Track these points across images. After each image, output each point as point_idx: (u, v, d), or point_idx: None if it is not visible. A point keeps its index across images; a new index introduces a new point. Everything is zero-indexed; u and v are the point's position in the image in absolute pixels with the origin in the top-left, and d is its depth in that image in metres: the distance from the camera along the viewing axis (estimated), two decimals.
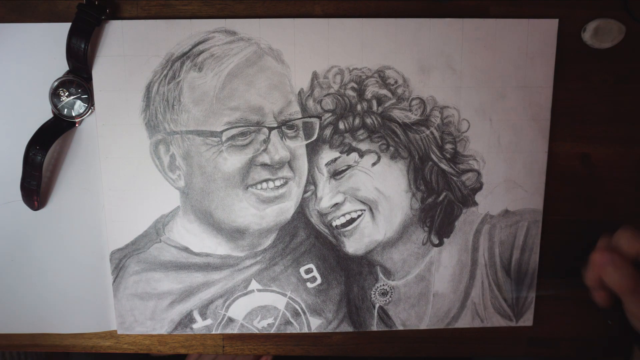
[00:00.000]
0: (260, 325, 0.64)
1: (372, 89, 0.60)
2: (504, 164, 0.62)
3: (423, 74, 0.60)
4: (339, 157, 0.61)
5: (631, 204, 0.65)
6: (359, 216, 0.62)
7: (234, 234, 0.62)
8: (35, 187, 0.59)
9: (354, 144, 0.61)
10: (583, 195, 0.64)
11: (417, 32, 0.59)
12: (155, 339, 0.66)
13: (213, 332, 0.64)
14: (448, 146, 0.62)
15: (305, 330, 0.65)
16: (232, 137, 0.59)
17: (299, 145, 0.61)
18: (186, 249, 0.62)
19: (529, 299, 0.65)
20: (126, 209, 0.61)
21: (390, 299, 0.64)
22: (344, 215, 0.62)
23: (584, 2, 0.61)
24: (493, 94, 0.61)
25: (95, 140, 0.61)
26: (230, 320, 0.64)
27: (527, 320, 0.65)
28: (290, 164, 0.61)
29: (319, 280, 0.64)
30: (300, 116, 0.60)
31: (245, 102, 0.59)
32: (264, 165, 0.60)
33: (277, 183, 0.61)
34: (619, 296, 0.56)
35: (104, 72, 0.59)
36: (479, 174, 0.62)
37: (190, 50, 0.58)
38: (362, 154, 0.61)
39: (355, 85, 0.60)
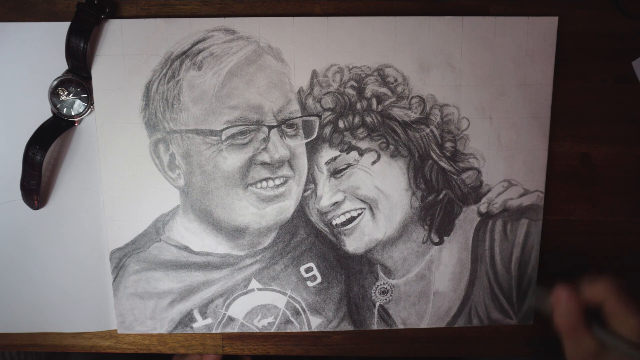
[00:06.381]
0: (260, 324, 0.64)
1: (371, 87, 0.60)
2: (504, 162, 0.62)
3: (423, 72, 0.60)
4: (339, 155, 0.61)
5: (631, 204, 0.64)
6: (359, 215, 0.62)
7: (234, 232, 0.62)
8: (35, 186, 0.59)
9: (353, 142, 0.61)
10: (583, 195, 0.64)
11: (417, 30, 0.60)
12: (154, 339, 0.66)
13: (213, 331, 0.64)
14: (448, 144, 0.62)
15: (306, 329, 0.65)
16: (232, 136, 0.59)
17: (299, 144, 0.61)
18: (186, 248, 0.62)
19: (529, 298, 0.65)
20: (126, 208, 0.61)
21: (390, 297, 0.64)
22: (343, 213, 0.62)
23: (584, 2, 0.61)
24: (493, 92, 0.61)
25: (94, 140, 0.61)
26: (231, 319, 0.64)
27: (528, 319, 0.65)
28: (290, 162, 0.61)
29: (319, 279, 0.64)
30: (299, 115, 0.60)
31: (245, 101, 0.59)
32: (263, 164, 0.60)
33: (277, 182, 0.61)
34: (560, 335, 0.57)
35: (103, 71, 0.59)
36: (479, 172, 0.62)
37: (189, 49, 0.58)
38: (362, 153, 0.61)
39: (354, 84, 0.60)
